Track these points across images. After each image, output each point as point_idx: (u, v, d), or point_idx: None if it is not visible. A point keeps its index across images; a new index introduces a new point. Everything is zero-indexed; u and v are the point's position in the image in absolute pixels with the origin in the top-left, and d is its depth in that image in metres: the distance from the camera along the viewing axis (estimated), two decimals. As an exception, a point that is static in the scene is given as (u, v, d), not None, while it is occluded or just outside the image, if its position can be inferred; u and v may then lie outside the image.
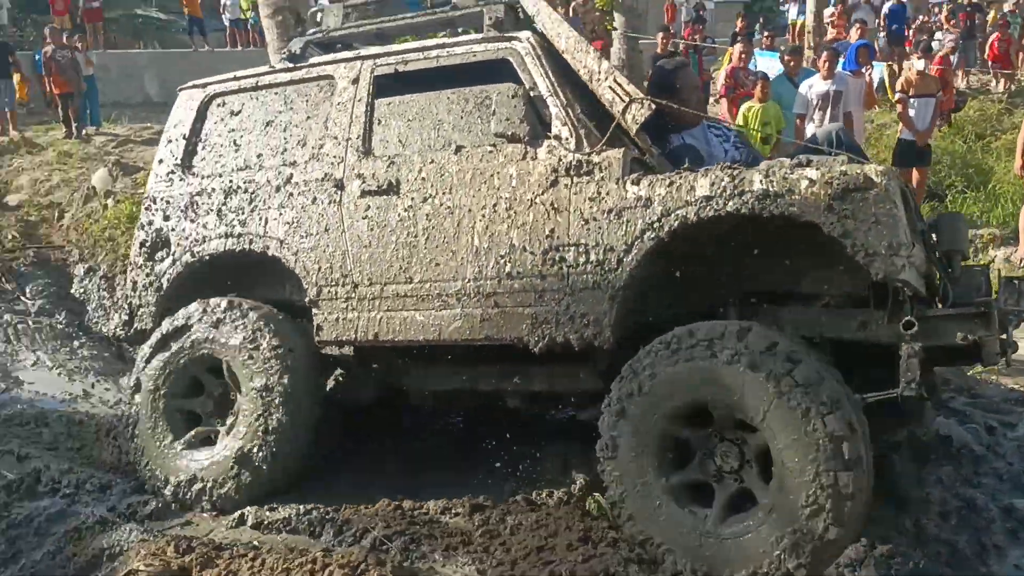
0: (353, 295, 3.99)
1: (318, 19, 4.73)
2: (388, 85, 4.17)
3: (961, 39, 15.60)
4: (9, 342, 6.04)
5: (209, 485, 3.99)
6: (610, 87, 3.72)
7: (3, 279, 7.16)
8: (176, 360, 4.25)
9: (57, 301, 6.80)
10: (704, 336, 3.28)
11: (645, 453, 3.32)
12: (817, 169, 3.23)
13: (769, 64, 10.95)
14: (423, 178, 3.90)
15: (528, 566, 3.18)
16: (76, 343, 6.25)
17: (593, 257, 3.54)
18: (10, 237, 8.22)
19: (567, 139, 3.68)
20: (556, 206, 3.64)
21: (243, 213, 4.28)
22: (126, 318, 4.60)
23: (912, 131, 8.95)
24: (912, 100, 8.95)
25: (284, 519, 3.66)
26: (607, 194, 3.55)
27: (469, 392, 4.13)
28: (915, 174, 9.00)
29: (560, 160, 3.66)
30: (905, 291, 3.23)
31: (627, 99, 3.66)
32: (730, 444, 3.28)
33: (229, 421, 4.13)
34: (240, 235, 4.26)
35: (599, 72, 3.76)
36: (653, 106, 3.69)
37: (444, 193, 3.85)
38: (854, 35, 11.66)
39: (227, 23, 20.13)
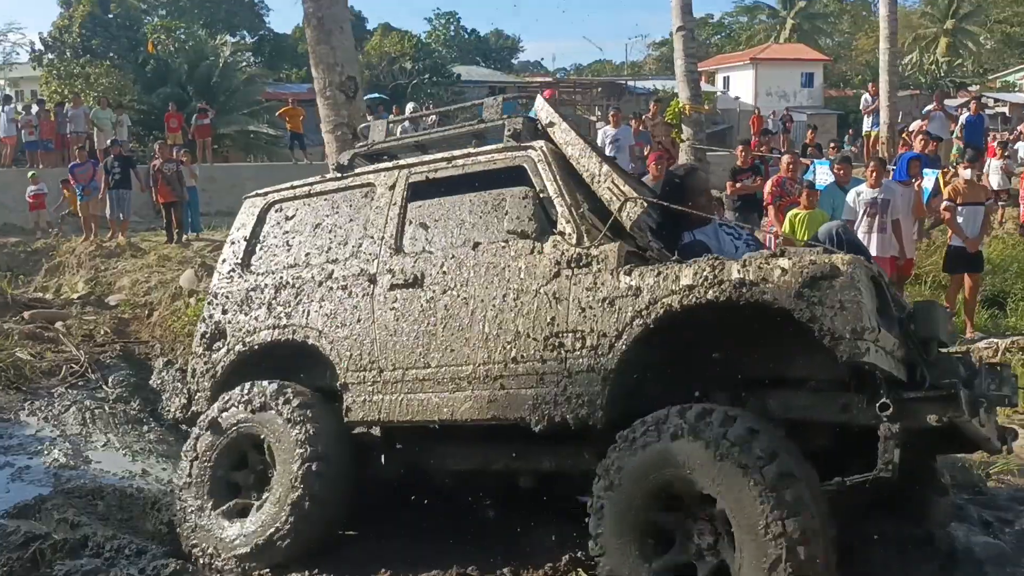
0: (379, 379, 4.31)
1: (365, 134, 5.25)
2: (422, 190, 4.57)
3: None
4: (85, 425, 6.62)
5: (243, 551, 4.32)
6: (608, 188, 4.06)
7: (90, 370, 7.86)
8: (225, 435, 4.63)
9: (135, 390, 7.39)
10: (652, 421, 3.49)
11: (629, 544, 3.47)
12: (789, 259, 3.46)
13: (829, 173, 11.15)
14: (444, 272, 4.25)
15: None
16: (145, 427, 6.80)
17: (588, 342, 3.79)
18: (102, 332, 9.04)
19: (570, 235, 3.99)
20: (557, 295, 3.94)
21: (289, 306, 4.66)
22: (184, 402, 5.04)
23: (961, 238, 8.98)
24: (960, 208, 9.02)
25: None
26: (602, 284, 3.83)
27: (484, 472, 4.36)
28: (967, 280, 9.00)
29: (563, 254, 3.97)
30: (879, 375, 3.37)
31: (622, 198, 3.99)
32: (703, 521, 3.42)
33: (264, 495, 4.43)
34: (285, 326, 4.65)
35: (599, 175, 4.12)
36: (645, 204, 4.05)
37: (461, 285, 4.18)
38: (917, 146, 11.84)
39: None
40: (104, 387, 7.53)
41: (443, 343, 4.15)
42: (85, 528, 4.60)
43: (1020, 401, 4.28)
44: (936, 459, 4.36)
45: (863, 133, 17.72)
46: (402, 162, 4.77)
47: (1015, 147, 17.49)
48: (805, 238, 8.41)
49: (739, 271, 3.51)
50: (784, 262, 3.44)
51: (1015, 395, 3.96)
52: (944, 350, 3.89)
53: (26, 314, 9.69)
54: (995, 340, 8.54)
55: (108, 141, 15.75)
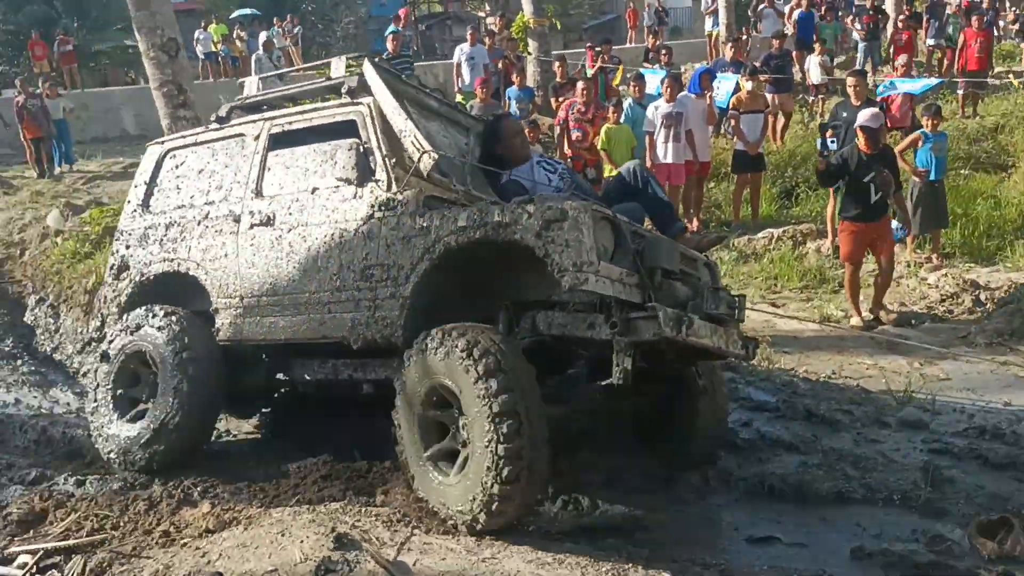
0: (240, 305, 5.00)
1: (242, 86, 5.85)
2: (281, 140, 5.15)
3: (866, 40, 16.83)
4: (-40, 362, 7.57)
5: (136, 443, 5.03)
6: (412, 142, 4.57)
7: (-36, 310, 8.67)
8: (115, 360, 5.28)
9: (9, 328, 8.28)
10: (423, 337, 4.12)
11: (413, 434, 4.17)
12: (534, 204, 4.04)
13: (654, 79, 11.99)
14: (290, 213, 4.87)
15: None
16: (19, 362, 7.75)
17: (391, 274, 4.43)
18: (-25, 272, 9.73)
19: (383, 182, 4.58)
20: (370, 234, 4.54)
21: (176, 242, 5.33)
22: (98, 324, 5.75)
23: (743, 142, 10.30)
24: (742, 116, 10.30)
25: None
26: (403, 224, 4.43)
27: (334, 381, 4.99)
28: (751, 178, 10.41)
29: (377, 198, 4.56)
30: (609, 298, 3.93)
31: (420, 151, 4.53)
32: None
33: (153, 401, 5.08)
34: (172, 259, 5.32)
35: (405, 131, 4.62)
36: (436, 155, 4.58)
37: (302, 225, 4.80)
38: (727, 53, 13.00)
39: (200, 56, 21.65)
40: (-21, 326, 8.38)
41: (287, 274, 4.83)
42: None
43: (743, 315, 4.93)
44: (696, 367, 4.95)
45: (706, 33, 18.72)
46: (266, 114, 5.35)
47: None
48: (616, 152, 9.57)
49: (499, 214, 4.08)
50: (531, 207, 4.02)
51: (739, 312, 4.75)
52: (674, 277, 4.38)
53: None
54: (771, 230, 10.00)
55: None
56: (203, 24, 22.19)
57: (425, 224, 4.35)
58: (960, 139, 12.42)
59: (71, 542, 4.15)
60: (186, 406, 4.99)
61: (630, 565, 3.76)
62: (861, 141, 7.65)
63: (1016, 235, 9.69)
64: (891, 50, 15.95)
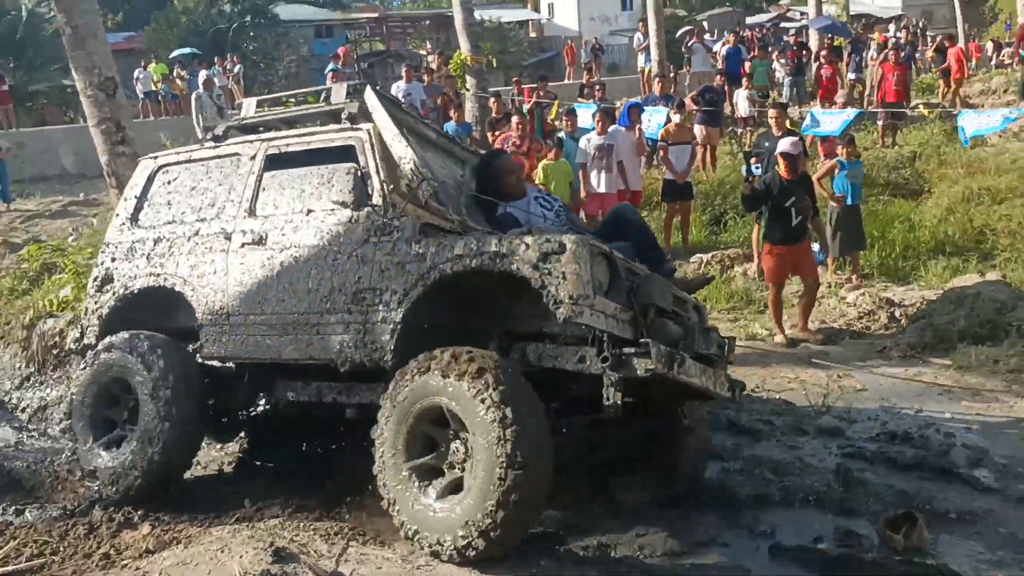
0: (227, 323, 4.94)
1: (240, 109, 5.82)
2: (277, 161, 5.13)
3: (791, 75, 17.59)
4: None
5: (116, 474, 4.95)
6: (411, 169, 4.63)
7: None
8: (96, 383, 5.23)
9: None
10: (421, 359, 4.06)
11: (402, 455, 4.06)
12: (532, 236, 4.06)
13: (586, 113, 12.31)
14: (283, 233, 4.85)
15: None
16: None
17: (384, 298, 4.40)
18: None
19: (379, 207, 4.57)
20: (364, 258, 4.53)
21: (163, 257, 5.28)
22: (78, 335, 5.69)
23: (672, 172, 10.72)
24: (671, 147, 10.73)
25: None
26: (398, 250, 4.42)
27: (318, 403, 4.94)
28: (680, 206, 10.82)
29: (373, 223, 4.55)
30: (602, 333, 3.92)
31: (419, 178, 4.59)
32: (460, 441, 3.96)
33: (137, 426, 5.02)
34: (159, 275, 5.26)
35: (405, 158, 4.68)
36: (435, 184, 4.67)
37: (294, 246, 4.78)
38: (657, 89, 13.50)
39: (140, 95, 21.67)
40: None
41: (276, 294, 4.79)
42: None
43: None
44: (683, 406, 5.01)
45: (639, 68, 19.35)
46: (263, 136, 5.35)
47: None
48: (554, 186, 9.78)
49: (496, 244, 4.09)
50: (528, 238, 4.03)
51: (728, 352, 4.89)
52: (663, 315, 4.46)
53: None
54: (701, 255, 10.39)
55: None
56: (143, 64, 22.24)
57: (421, 251, 4.34)
58: (880, 167, 13.05)
59: (10, 568, 4.20)
60: (166, 434, 4.93)
61: (559, 563, 3.99)
62: (782, 167, 8.05)
63: (929, 255, 10.21)
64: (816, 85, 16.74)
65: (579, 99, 15.46)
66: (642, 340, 3.99)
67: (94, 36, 7.80)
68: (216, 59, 23.26)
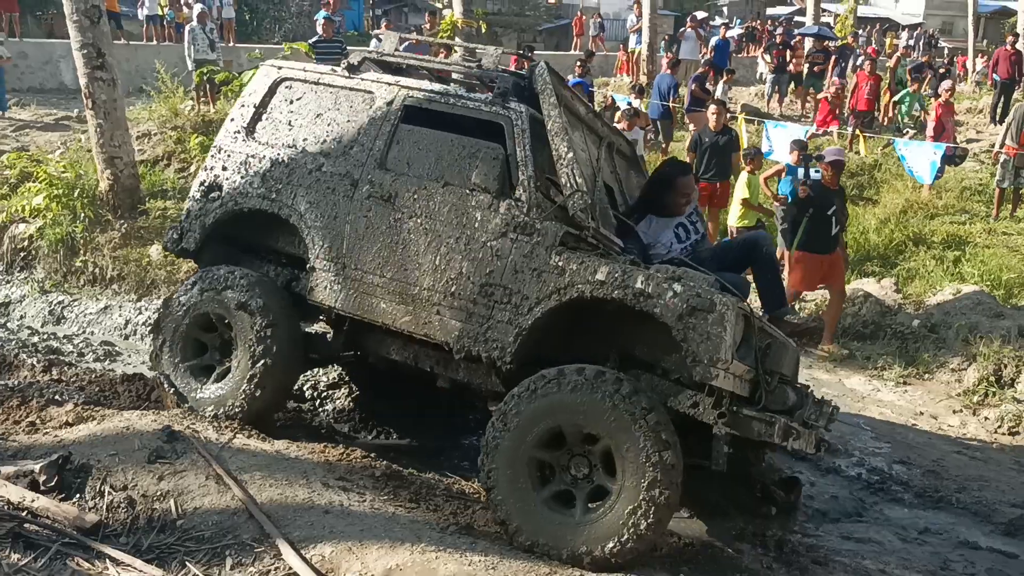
0: (341, 273, 4.85)
1: (380, 38, 5.71)
2: (414, 115, 4.91)
3: (774, 73, 18.09)
4: None
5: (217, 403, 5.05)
6: (567, 173, 4.38)
7: None
8: (197, 306, 5.18)
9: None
10: (552, 375, 4.10)
11: (520, 476, 4.07)
12: (682, 285, 4.02)
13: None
14: (414, 198, 4.68)
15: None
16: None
17: (513, 300, 4.35)
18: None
19: (523, 203, 4.43)
20: (499, 253, 4.43)
21: (280, 183, 5.07)
22: (176, 237, 5.43)
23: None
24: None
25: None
26: (537, 256, 4.33)
27: (413, 365, 4.98)
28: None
29: (513, 218, 4.42)
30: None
31: (573, 189, 4.36)
32: (580, 457, 4.07)
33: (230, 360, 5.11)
34: (274, 200, 5.08)
35: (564, 158, 4.40)
36: (588, 200, 4.41)
37: (425, 216, 4.63)
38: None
39: (144, 19, 21.93)
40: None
41: (399, 260, 4.67)
42: None
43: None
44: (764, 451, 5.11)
45: (629, 50, 19.74)
46: (403, 82, 5.05)
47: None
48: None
49: (642, 282, 4.06)
50: (678, 287, 4.01)
51: (828, 424, 4.90)
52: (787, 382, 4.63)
53: None
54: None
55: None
56: (149, -14, 22.38)
57: (560, 264, 4.28)
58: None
59: (-54, 427, 4.92)
60: (266, 375, 5.01)
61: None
62: (828, 176, 8.08)
63: (879, 260, 10.67)
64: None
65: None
66: (770, 416, 4.06)
67: (82, -36, 8.27)
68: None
